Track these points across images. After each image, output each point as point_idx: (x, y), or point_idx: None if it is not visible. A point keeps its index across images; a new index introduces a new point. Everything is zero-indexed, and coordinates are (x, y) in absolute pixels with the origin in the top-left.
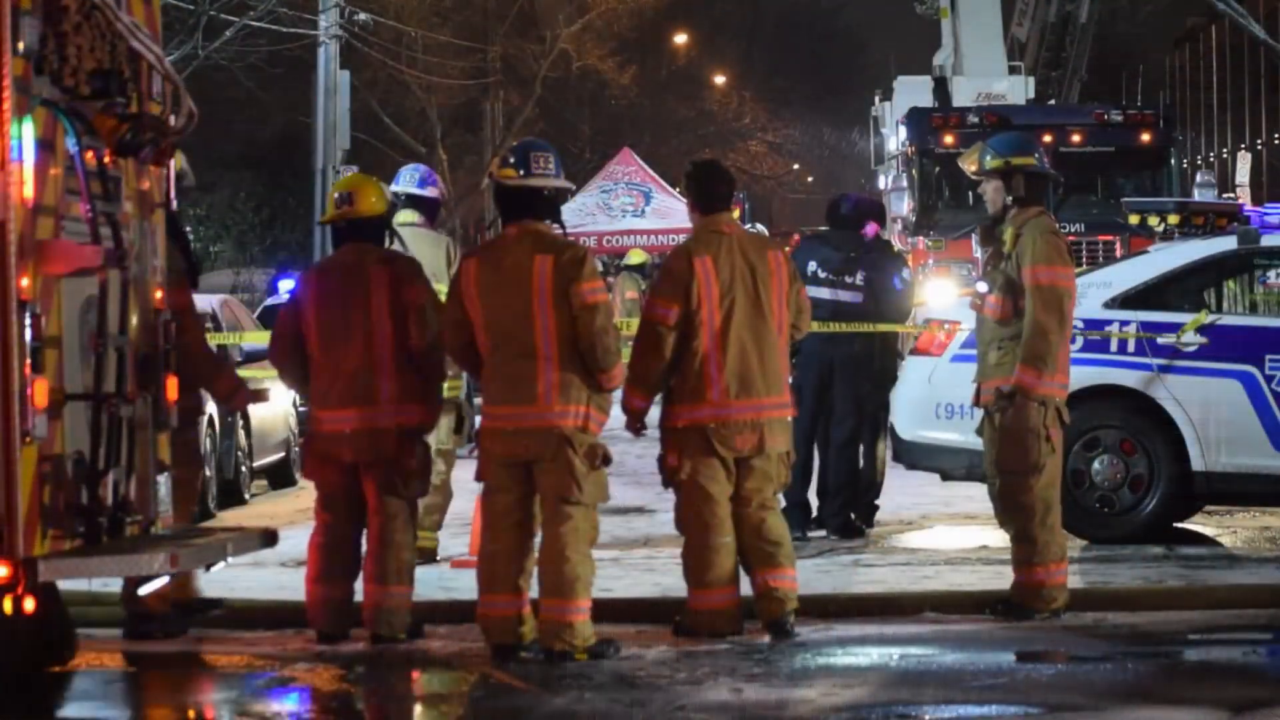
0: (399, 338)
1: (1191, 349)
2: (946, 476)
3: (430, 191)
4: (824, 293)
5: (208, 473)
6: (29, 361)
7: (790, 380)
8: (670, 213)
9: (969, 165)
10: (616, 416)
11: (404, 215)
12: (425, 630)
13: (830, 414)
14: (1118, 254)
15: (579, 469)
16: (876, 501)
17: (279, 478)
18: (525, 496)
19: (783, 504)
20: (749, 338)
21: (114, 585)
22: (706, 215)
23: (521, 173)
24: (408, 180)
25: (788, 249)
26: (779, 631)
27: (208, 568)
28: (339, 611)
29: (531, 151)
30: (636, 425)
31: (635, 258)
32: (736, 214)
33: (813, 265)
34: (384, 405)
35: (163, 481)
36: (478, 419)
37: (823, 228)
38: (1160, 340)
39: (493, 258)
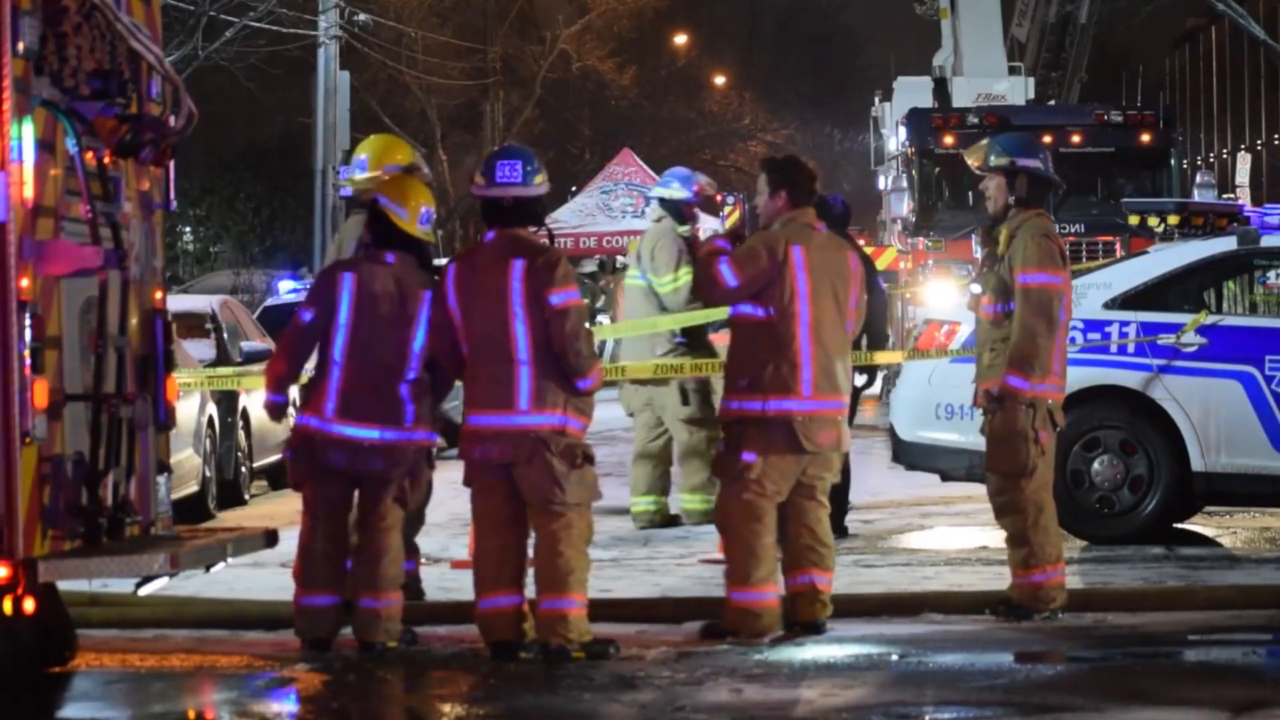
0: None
1: (1191, 349)
2: (946, 477)
3: (676, 192)
4: None
5: (208, 473)
6: (29, 362)
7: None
8: None
9: (974, 160)
10: (611, 419)
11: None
12: (420, 636)
13: None
14: (1118, 254)
15: (558, 470)
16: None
17: (279, 478)
18: (512, 496)
19: None
20: (832, 334)
21: (114, 585)
22: (795, 208)
23: (483, 182)
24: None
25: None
26: (815, 634)
27: (208, 568)
28: (327, 618)
29: (498, 160)
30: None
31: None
32: (736, 215)
33: None
34: (408, 425)
35: (162, 482)
36: None
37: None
38: (1160, 341)
39: (472, 263)
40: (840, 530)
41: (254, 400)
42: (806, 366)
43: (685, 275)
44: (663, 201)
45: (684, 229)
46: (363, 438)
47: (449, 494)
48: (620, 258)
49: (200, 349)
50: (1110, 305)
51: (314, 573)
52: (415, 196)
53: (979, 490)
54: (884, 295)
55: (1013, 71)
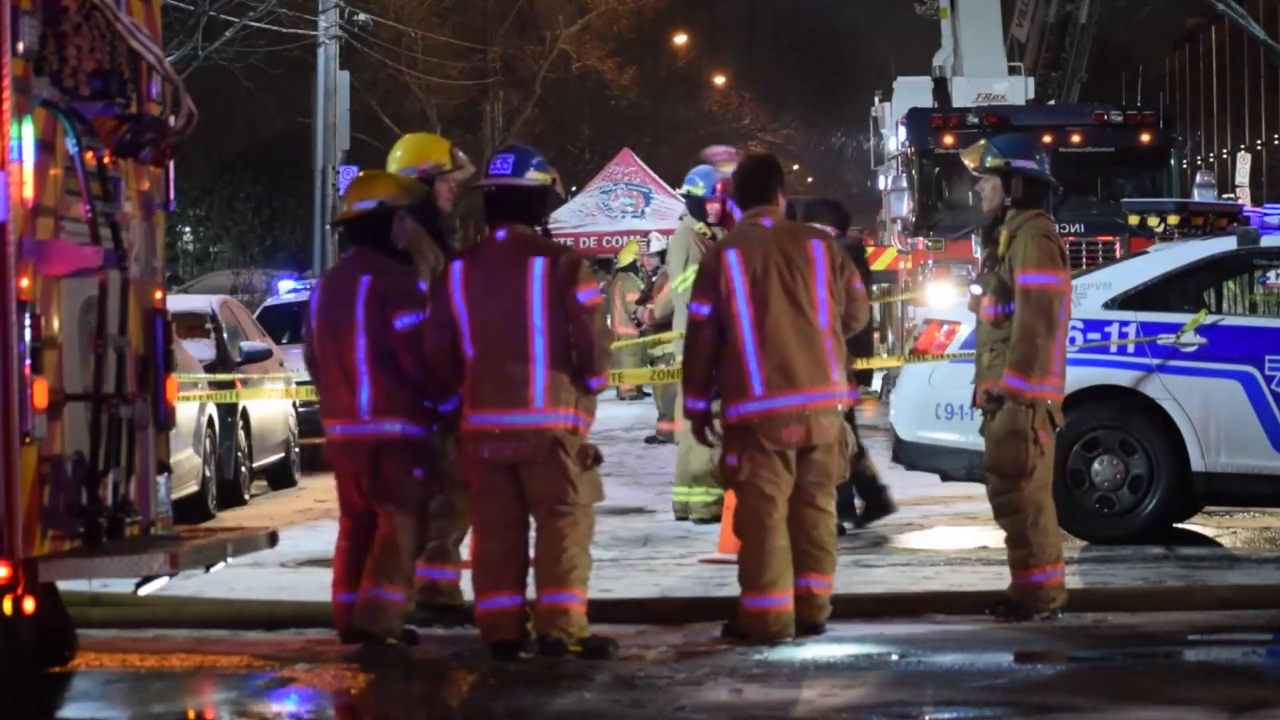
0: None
1: (1191, 349)
2: (946, 477)
3: (696, 189)
4: None
5: (208, 473)
6: (29, 362)
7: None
8: (670, 213)
9: (970, 161)
10: (610, 418)
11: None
12: (420, 636)
13: None
14: (1118, 254)
15: (572, 470)
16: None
17: (279, 478)
18: (516, 496)
19: None
20: (788, 328)
21: (114, 585)
22: (744, 209)
23: (484, 175)
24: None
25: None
26: (814, 634)
27: (208, 568)
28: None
29: (499, 155)
30: (701, 429)
31: (628, 255)
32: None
33: None
34: (363, 418)
35: (162, 482)
36: None
37: None
38: (1160, 340)
39: (482, 260)
40: (839, 530)
41: (253, 401)
42: (754, 366)
43: (694, 271)
44: (688, 198)
45: (699, 226)
46: (330, 432)
47: None
48: (614, 258)
49: (200, 349)
50: (1110, 305)
51: (340, 567)
52: (364, 189)
53: (979, 490)
54: None
55: (1013, 71)
